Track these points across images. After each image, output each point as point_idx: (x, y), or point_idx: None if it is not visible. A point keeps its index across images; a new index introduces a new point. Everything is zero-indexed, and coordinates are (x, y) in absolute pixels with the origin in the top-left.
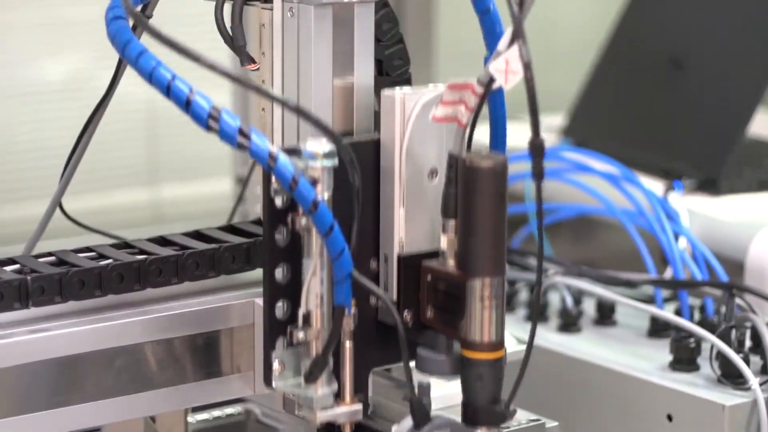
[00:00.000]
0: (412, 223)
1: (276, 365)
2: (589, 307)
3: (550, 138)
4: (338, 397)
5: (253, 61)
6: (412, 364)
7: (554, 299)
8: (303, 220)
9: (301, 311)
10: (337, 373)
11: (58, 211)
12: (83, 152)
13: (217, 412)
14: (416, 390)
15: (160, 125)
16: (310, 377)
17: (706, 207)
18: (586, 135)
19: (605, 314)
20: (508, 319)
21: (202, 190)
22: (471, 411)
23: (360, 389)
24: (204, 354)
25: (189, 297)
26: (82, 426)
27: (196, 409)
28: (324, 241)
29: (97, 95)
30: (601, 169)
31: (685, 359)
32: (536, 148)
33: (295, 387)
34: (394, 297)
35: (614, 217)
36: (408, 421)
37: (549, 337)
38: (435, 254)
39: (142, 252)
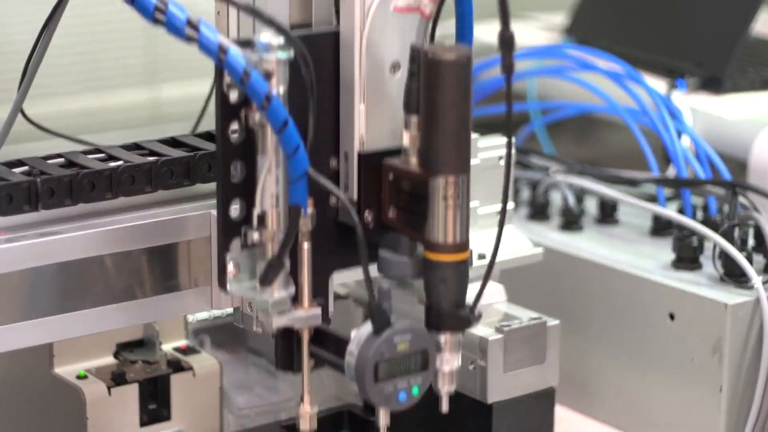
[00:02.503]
0: (373, 119)
1: (230, 267)
2: (590, 205)
3: (552, 37)
4: (296, 301)
5: None
6: (374, 267)
7: (556, 198)
8: (257, 116)
9: (256, 211)
10: (295, 277)
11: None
12: (43, 53)
13: (216, 312)
14: (376, 294)
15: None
16: (266, 280)
17: (709, 105)
18: (588, 34)
19: (607, 213)
20: (510, 218)
21: (203, 90)
22: (434, 315)
23: (319, 293)
24: (160, 268)
25: (140, 209)
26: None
27: None
28: (278, 138)
29: None
30: (604, 67)
31: (687, 258)
32: (505, 42)
33: (250, 290)
34: (355, 196)
35: (617, 115)
36: (367, 327)
37: (550, 235)
38: (397, 152)
39: (112, 158)
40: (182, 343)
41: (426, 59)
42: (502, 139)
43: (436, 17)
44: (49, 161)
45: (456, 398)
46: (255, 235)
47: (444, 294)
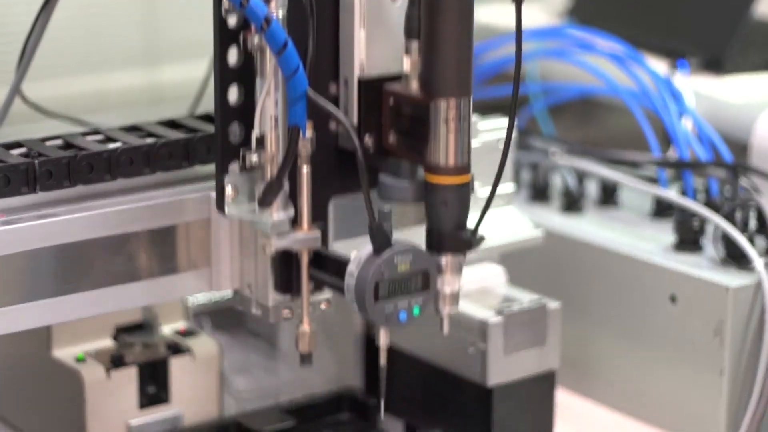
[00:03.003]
0: (374, 44)
1: (229, 190)
2: (591, 187)
3: (554, 18)
4: (295, 223)
5: None
6: (374, 191)
7: (556, 180)
8: (256, 39)
9: (255, 134)
10: (294, 201)
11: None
12: (42, 33)
13: (216, 295)
14: (376, 216)
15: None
16: (264, 201)
17: (710, 88)
18: (590, 15)
19: (608, 195)
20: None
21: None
22: (436, 237)
23: (319, 217)
24: (159, 250)
25: (139, 191)
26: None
27: None
28: (277, 60)
29: None
30: (605, 49)
31: (688, 240)
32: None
33: (249, 212)
34: (355, 121)
35: (618, 97)
36: (368, 248)
37: (551, 218)
38: (397, 78)
39: (111, 140)
40: (182, 325)
41: None
42: (502, 121)
43: None
44: (48, 143)
45: (456, 381)
46: (254, 157)
47: (445, 216)
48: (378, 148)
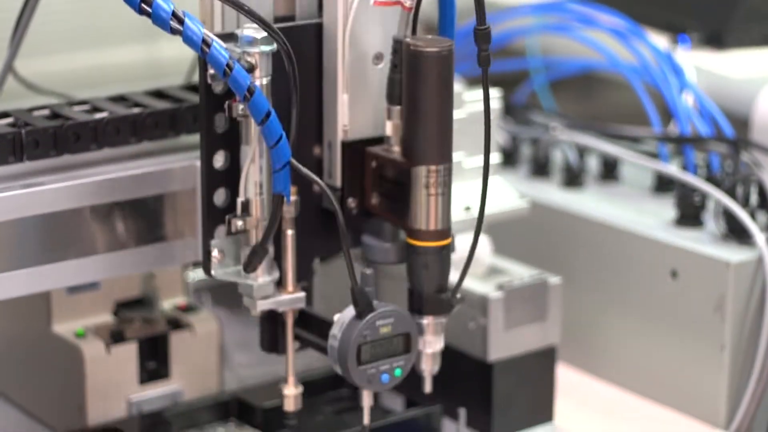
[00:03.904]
0: (356, 108)
1: (215, 254)
2: (592, 163)
3: None
4: (280, 285)
5: None
6: (358, 250)
7: (557, 155)
8: (240, 107)
9: (240, 199)
10: (279, 262)
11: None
12: (34, 8)
13: None
14: (359, 279)
15: None
16: (249, 266)
17: (711, 63)
18: None
19: (609, 170)
20: (510, 175)
21: None
22: (416, 299)
23: (303, 277)
24: (145, 219)
25: (123, 161)
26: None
27: (197, 266)
28: (261, 129)
29: None
30: (607, 23)
31: (690, 215)
32: (482, 36)
33: (235, 275)
34: (339, 184)
35: (619, 72)
36: (350, 311)
37: (551, 193)
38: (380, 140)
39: (97, 110)
40: (182, 301)
41: (408, 51)
42: (491, 92)
43: (416, 9)
44: (35, 113)
45: (456, 357)
46: (239, 223)
47: (426, 279)
48: (361, 209)
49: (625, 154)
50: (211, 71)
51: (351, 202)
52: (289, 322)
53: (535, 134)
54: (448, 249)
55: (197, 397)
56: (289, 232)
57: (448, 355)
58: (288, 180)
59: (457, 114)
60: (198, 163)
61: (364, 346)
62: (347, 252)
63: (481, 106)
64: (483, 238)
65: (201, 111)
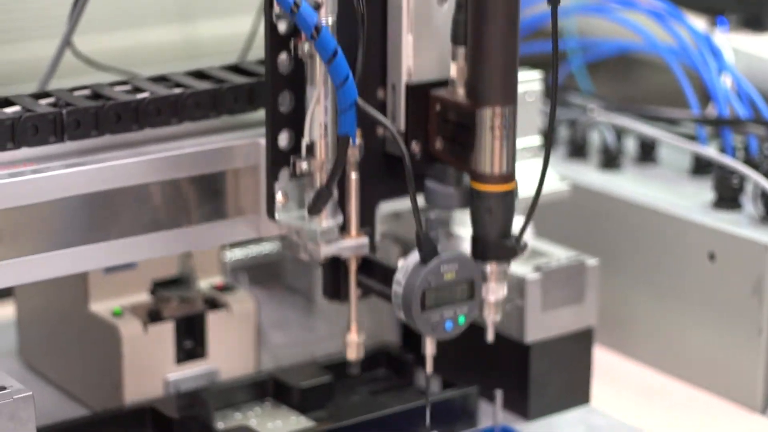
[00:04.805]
0: (421, 50)
1: (279, 197)
2: (629, 144)
3: None
4: (343, 230)
5: None
6: (421, 196)
7: (594, 137)
8: (306, 47)
9: (305, 141)
10: (342, 206)
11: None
12: None
13: (253, 251)
14: (423, 224)
15: None
16: (314, 209)
17: (750, 45)
18: None
19: (647, 152)
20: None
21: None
22: (480, 245)
23: (367, 223)
24: (208, 195)
25: (189, 138)
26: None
27: (234, 246)
28: (327, 68)
29: None
30: (645, 5)
31: (727, 198)
32: None
33: (298, 219)
34: (402, 127)
35: (657, 54)
36: (415, 256)
37: (589, 175)
38: (444, 83)
39: (138, 90)
40: (219, 280)
41: None
42: (531, 74)
43: None
44: (76, 93)
45: (493, 338)
46: (303, 165)
47: (490, 224)
48: (424, 154)
49: (663, 136)
50: (277, 9)
51: (414, 147)
52: (353, 268)
53: (572, 116)
54: (513, 194)
55: (234, 377)
56: (353, 176)
57: (485, 336)
58: (354, 121)
59: None
60: (261, 141)
61: (429, 292)
62: (413, 196)
63: (525, 87)
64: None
65: (266, 51)
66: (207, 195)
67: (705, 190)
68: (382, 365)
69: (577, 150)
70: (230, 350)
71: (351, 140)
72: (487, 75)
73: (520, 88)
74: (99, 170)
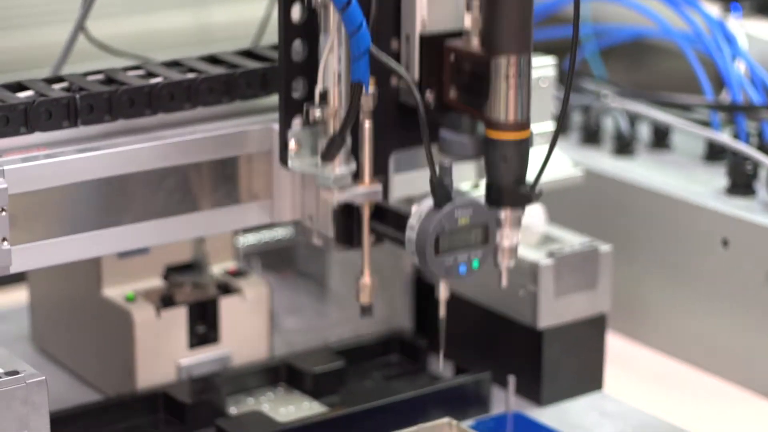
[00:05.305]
0: (435, 1)
1: (292, 144)
2: (643, 130)
3: None
4: (357, 177)
5: None
6: (435, 146)
7: (608, 123)
8: None
9: (318, 89)
10: (356, 155)
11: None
12: None
13: (266, 236)
14: (437, 170)
15: None
16: (327, 155)
17: (764, 31)
18: None
19: (660, 138)
20: (561, 142)
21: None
22: (495, 192)
23: (380, 170)
24: (221, 181)
25: (202, 123)
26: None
27: (247, 232)
28: (341, 16)
29: None
30: None
31: (741, 184)
32: None
33: (311, 166)
34: (416, 77)
35: (671, 39)
36: (429, 201)
37: (602, 161)
38: (458, 34)
39: (152, 75)
40: (231, 265)
41: None
42: (545, 59)
43: None
44: (89, 78)
45: (506, 324)
46: (317, 112)
47: (505, 171)
48: (438, 103)
49: (677, 122)
50: None
51: (429, 96)
52: (366, 214)
53: (585, 102)
54: (527, 142)
55: (246, 362)
56: (367, 124)
57: (498, 322)
58: (367, 68)
59: None
60: (275, 126)
61: (443, 236)
62: (427, 144)
63: (539, 73)
64: (538, 208)
65: (279, 0)
66: (220, 180)
67: (718, 177)
68: (395, 351)
69: (591, 136)
70: (243, 335)
71: (364, 88)
72: (501, 24)
73: (536, 73)
74: (112, 155)
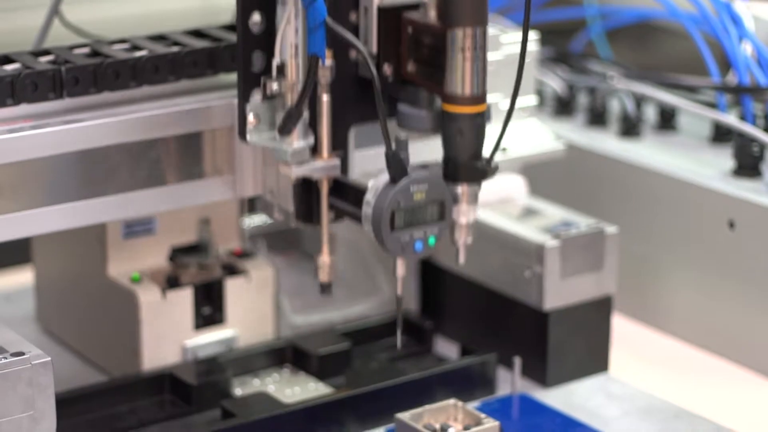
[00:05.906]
0: None
1: (251, 117)
2: (650, 112)
3: None
4: (315, 152)
5: None
6: (393, 120)
7: (614, 104)
8: None
9: (275, 62)
10: (314, 129)
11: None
12: None
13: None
14: (393, 144)
15: None
16: (284, 129)
17: None
18: None
19: (666, 120)
20: (566, 124)
21: None
22: (451, 166)
23: (339, 145)
24: (183, 156)
25: (165, 98)
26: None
27: (252, 213)
28: None
29: None
30: None
31: (748, 166)
32: None
33: (270, 140)
34: (374, 50)
35: (677, 21)
36: (385, 176)
37: (609, 142)
38: (416, 6)
39: (137, 48)
40: (237, 247)
41: None
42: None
43: None
44: (75, 51)
45: (512, 305)
46: (275, 85)
47: (461, 145)
48: (397, 76)
49: (683, 103)
50: None
51: (386, 69)
52: (324, 190)
53: (591, 83)
54: (483, 116)
55: (252, 344)
56: (325, 98)
57: (504, 303)
58: (323, 41)
59: (494, 56)
60: (219, 103)
61: (398, 212)
62: (383, 118)
63: (518, 48)
64: (519, 180)
65: None
66: (186, 155)
67: (725, 158)
68: (401, 333)
69: (597, 118)
70: (248, 317)
71: (321, 60)
72: None
73: (515, 49)
74: (79, 129)
